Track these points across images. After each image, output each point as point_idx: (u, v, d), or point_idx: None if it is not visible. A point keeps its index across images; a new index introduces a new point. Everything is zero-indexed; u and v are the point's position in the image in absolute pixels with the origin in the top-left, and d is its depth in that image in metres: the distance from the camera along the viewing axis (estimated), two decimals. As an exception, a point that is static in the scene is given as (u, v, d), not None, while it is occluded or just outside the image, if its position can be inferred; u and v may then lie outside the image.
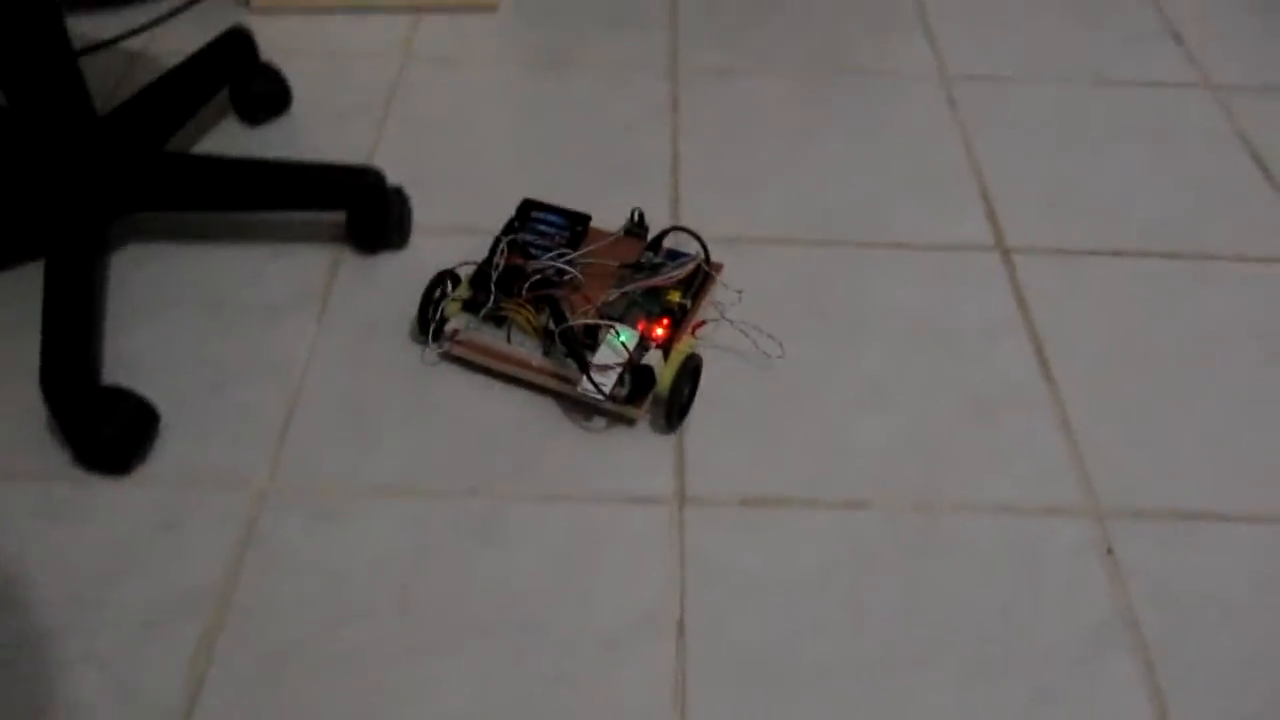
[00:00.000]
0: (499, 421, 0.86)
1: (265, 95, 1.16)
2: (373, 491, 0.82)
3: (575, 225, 0.95)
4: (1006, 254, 1.04)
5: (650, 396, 0.83)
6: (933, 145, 1.16)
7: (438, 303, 0.90)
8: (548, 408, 0.87)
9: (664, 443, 0.84)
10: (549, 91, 1.22)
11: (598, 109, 1.19)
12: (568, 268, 0.89)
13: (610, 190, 1.09)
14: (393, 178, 1.05)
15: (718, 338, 0.92)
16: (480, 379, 0.89)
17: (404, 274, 0.99)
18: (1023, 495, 0.84)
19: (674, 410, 0.84)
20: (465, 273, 0.92)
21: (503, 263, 0.89)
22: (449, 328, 0.88)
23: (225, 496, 0.81)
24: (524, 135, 1.16)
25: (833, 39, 1.32)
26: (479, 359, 0.88)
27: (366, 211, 1.00)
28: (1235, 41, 1.34)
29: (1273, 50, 1.33)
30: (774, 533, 0.80)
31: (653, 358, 0.84)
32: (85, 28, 1.28)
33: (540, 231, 0.94)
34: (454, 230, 1.04)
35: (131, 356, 0.91)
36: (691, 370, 0.84)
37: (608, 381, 0.82)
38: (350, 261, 1.01)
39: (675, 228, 0.95)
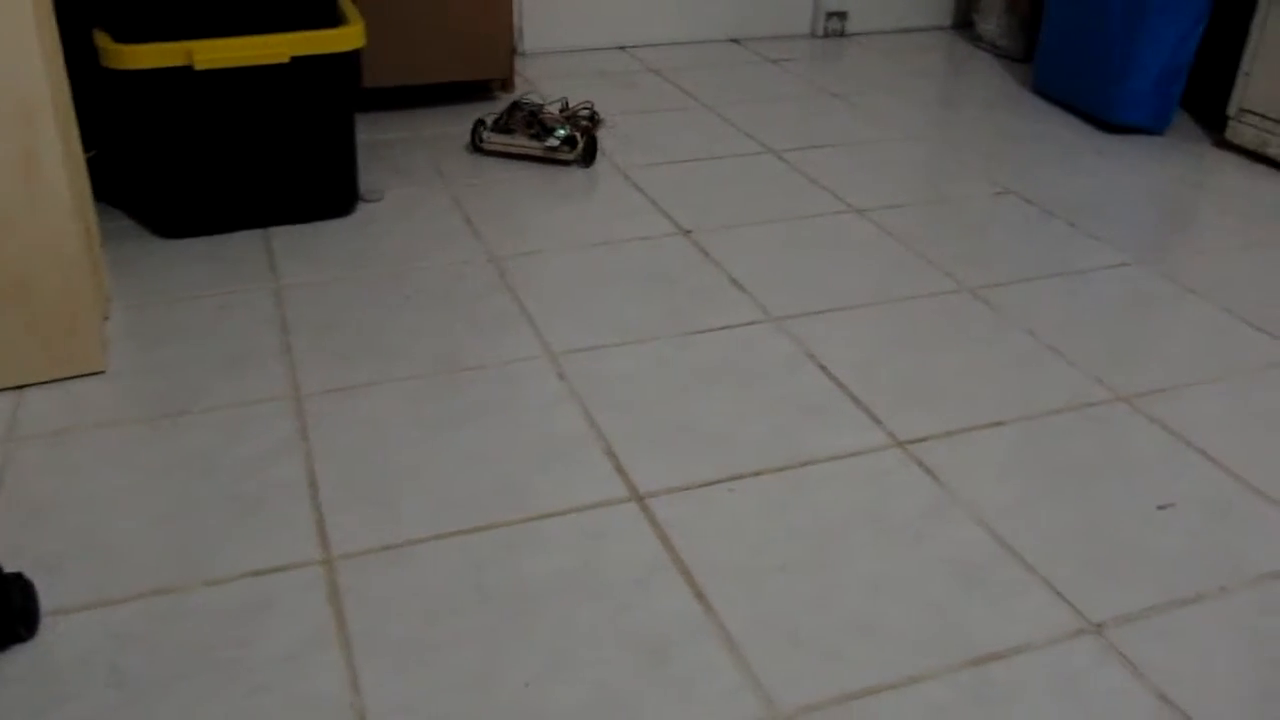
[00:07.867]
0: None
1: None
2: None
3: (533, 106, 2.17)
4: (642, 501, 1.14)
5: (578, 152, 2.01)
6: (555, 417, 1.27)
7: (478, 130, 2.05)
8: (534, 167, 1.98)
9: (586, 174, 1.99)
10: (173, 444, 1.21)
11: (224, 452, 1.20)
12: (537, 108, 2.13)
13: (253, 531, 1.08)
14: (12, 565, 0.99)
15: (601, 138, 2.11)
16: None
17: (40, 667, 0.92)
18: (707, 721, 0.89)
19: (589, 156, 2.02)
20: (488, 120, 2.06)
21: (506, 112, 2.10)
22: (485, 136, 2.04)
23: None
24: (153, 492, 1.13)
25: (447, 341, 1.41)
26: (500, 149, 2.05)
27: (-14, 609, 0.93)
28: (779, 280, 1.58)
29: (815, 282, 1.58)
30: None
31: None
32: None
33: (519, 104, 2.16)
34: (95, 605, 0.99)
35: None
36: (593, 139, 2.03)
37: (560, 141, 2.01)
38: (-25, 668, 0.93)
39: (581, 103, 2.22)
